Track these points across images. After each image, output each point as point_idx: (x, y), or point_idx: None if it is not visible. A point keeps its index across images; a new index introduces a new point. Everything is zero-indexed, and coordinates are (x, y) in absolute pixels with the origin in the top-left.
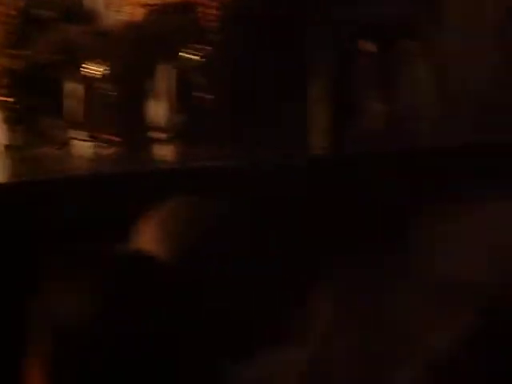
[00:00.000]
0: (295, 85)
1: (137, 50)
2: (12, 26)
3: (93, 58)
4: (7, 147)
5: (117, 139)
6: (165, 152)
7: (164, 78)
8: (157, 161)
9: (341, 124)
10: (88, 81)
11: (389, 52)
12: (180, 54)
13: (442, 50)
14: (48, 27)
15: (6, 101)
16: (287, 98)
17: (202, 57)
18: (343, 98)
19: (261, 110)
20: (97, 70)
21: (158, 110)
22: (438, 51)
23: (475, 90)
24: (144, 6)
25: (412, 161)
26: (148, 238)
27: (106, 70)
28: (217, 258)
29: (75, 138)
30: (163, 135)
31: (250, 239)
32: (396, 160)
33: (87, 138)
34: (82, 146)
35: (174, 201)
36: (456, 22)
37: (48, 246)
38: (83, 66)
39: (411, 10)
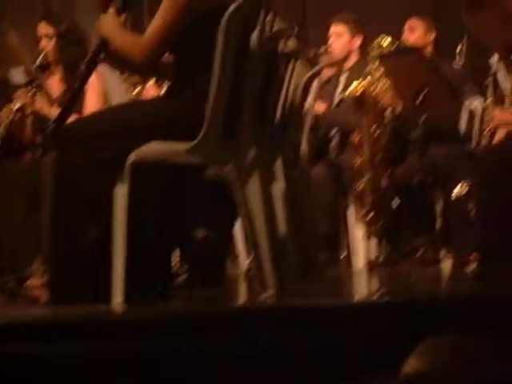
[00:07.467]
0: None
1: (502, 171)
2: (379, 145)
3: (457, 178)
4: (370, 263)
5: (476, 258)
6: None
7: None
8: None
9: None
10: (453, 200)
11: None
12: None
13: None
14: (415, 147)
15: (372, 217)
16: None
17: None
18: None
19: None
20: (461, 190)
21: None
22: None
23: None
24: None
25: None
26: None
27: (469, 189)
28: None
29: (441, 258)
30: None
31: None
32: None
33: (451, 258)
34: (447, 266)
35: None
36: None
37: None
38: (444, 185)
39: None
